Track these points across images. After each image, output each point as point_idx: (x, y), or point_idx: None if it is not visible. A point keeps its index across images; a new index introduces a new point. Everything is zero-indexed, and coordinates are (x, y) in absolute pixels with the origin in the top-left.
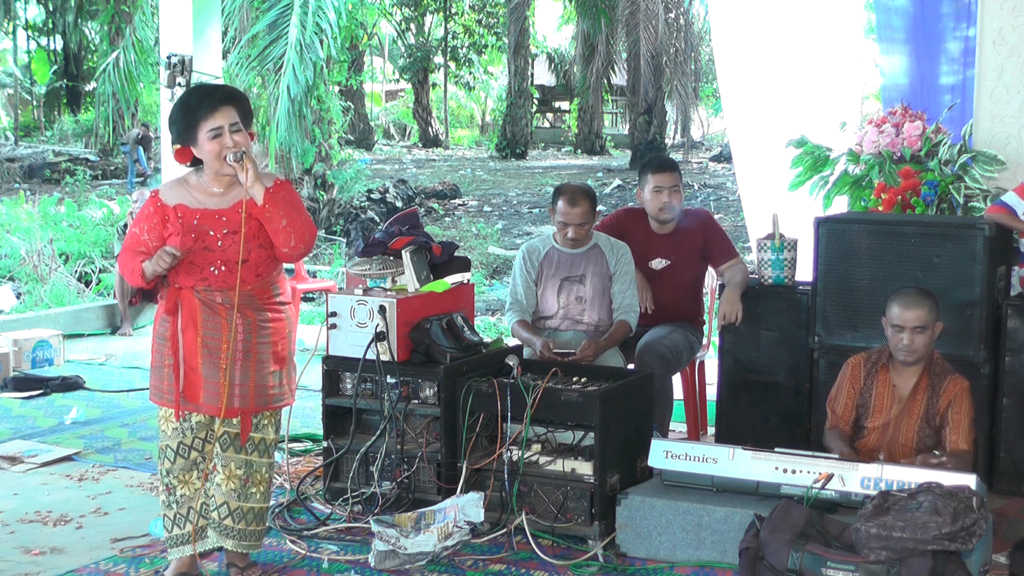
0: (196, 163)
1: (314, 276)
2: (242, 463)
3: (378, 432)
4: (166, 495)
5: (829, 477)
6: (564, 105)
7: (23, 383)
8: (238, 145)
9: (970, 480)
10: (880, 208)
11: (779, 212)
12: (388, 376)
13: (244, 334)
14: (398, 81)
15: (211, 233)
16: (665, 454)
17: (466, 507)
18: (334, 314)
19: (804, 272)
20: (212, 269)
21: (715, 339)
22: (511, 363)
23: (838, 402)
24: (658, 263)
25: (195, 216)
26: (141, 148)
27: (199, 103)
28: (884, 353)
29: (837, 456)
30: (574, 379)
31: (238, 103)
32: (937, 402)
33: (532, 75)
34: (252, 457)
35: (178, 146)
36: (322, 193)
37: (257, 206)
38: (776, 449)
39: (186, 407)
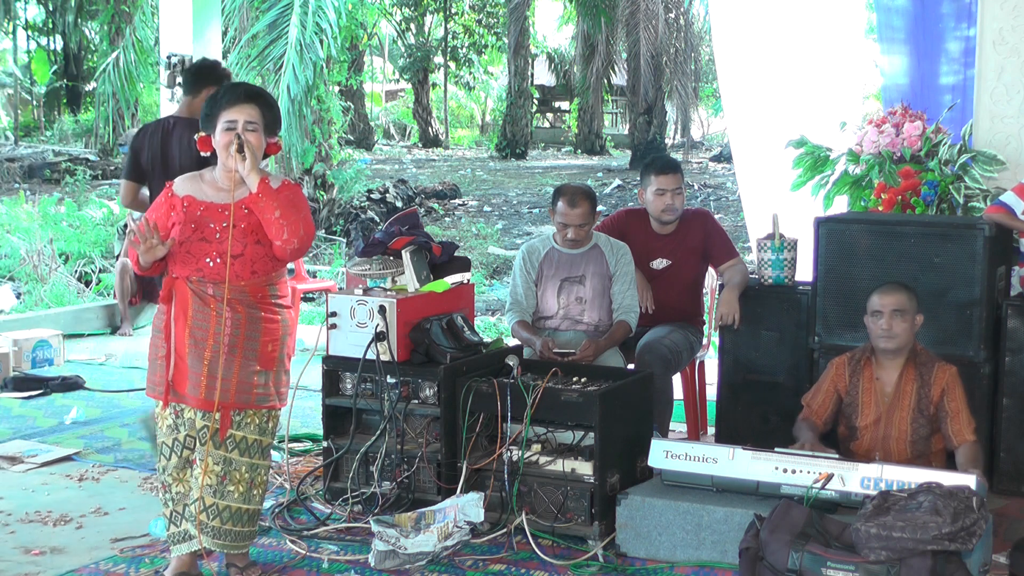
0: (212, 156)
1: (314, 276)
2: (220, 459)
3: (378, 432)
4: (163, 493)
5: (829, 477)
6: (564, 105)
7: (23, 383)
8: (247, 142)
9: (970, 480)
10: (880, 208)
11: (779, 212)
12: (388, 376)
13: (231, 328)
14: (398, 81)
15: (211, 225)
16: (665, 454)
17: (466, 507)
18: (334, 314)
19: (804, 272)
20: (207, 260)
21: (715, 339)
22: (511, 363)
23: (815, 398)
24: (659, 263)
25: (199, 208)
26: None
27: (224, 95)
28: (867, 350)
29: (836, 456)
30: (574, 379)
31: (264, 105)
32: (929, 391)
33: (532, 75)
34: (232, 455)
35: (201, 134)
36: (322, 193)
37: (251, 196)
38: (776, 449)
39: (174, 398)
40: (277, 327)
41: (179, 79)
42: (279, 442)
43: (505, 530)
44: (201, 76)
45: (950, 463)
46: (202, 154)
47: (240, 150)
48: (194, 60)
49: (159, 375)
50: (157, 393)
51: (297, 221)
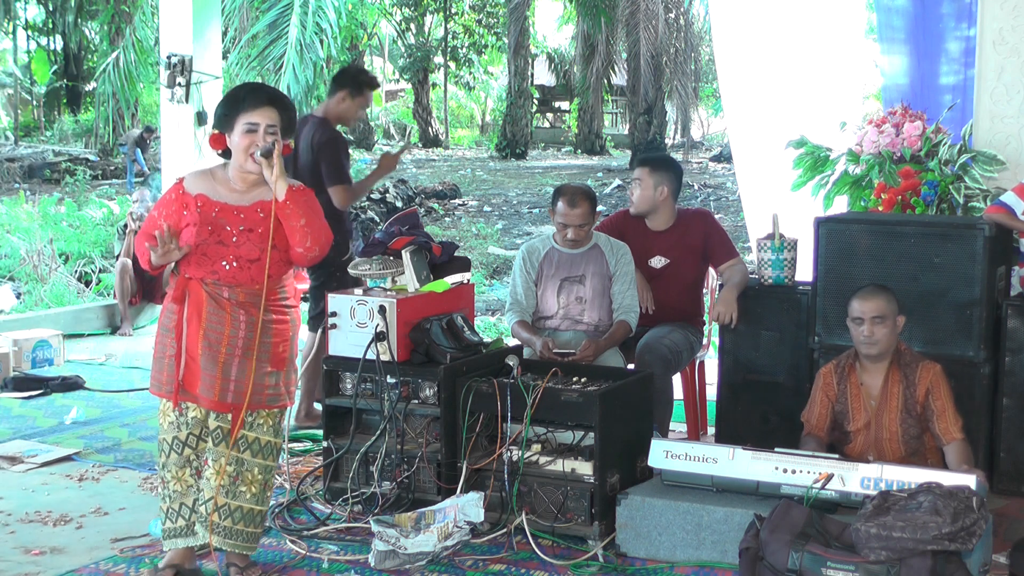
0: (226, 154)
1: None
2: (233, 460)
3: (378, 432)
4: (162, 488)
5: (829, 477)
6: (564, 105)
7: (23, 383)
8: (277, 150)
9: (970, 480)
10: (880, 208)
11: (779, 212)
12: (388, 376)
13: (246, 332)
14: (398, 81)
15: (227, 228)
16: (665, 454)
17: (466, 507)
18: (334, 314)
19: (804, 272)
20: (224, 264)
21: (715, 339)
22: (511, 363)
23: (812, 413)
24: (658, 261)
25: (214, 208)
26: (139, 149)
27: (246, 96)
28: (851, 355)
29: (836, 456)
30: (574, 379)
31: (284, 109)
32: (914, 391)
33: (532, 75)
34: (244, 456)
35: (215, 131)
36: None
37: (278, 203)
38: (776, 449)
39: (184, 397)
40: (287, 327)
41: (179, 79)
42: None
43: (505, 530)
44: (340, 79)
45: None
46: (216, 152)
47: (265, 155)
48: (194, 60)
49: (167, 374)
50: (165, 392)
51: (320, 228)
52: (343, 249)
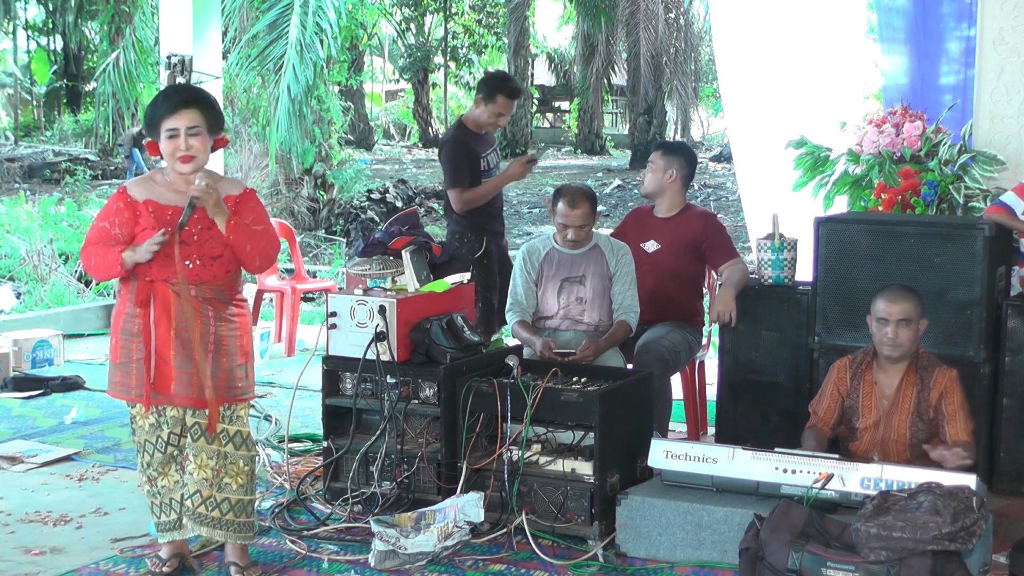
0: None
1: (314, 276)
2: (214, 453)
3: (378, 432)
4: (149, 486)
5: (829, 477)
6: (564, 105)
7: (23, 383)
8: (191, 148)
9: (970, 480)
10: (880, 208)
11: (779, 212)
12: (388, 376)
13: (215, 327)
14: (398, 81)
15: (187, 228)
16: (665, 454)
17: (466, 507)
18: (334, 314)
19: (804, 272)
20: (187, 263)
21: (715, 339)
22: (511, 363)
23: (820, 404)
24: (650, 245)
25: (167, 212)
26: (136, 149)
27: (162, 102)
28: (868, 352)
29: (836, 456)
30: (574, 379)
31: (203, 107)
32: (928, 395)
33: (532, 75)
34: (227, 449)
35: (148, 139)
36: (322, 193)
37: (224, 237)
38: (776, 449)
39: (156, 400)
40: (246, 319)
41: (179, 79)
42: (279, 442)
43: (505, 530)
44: (479, 85)
45: None
46: (152, 158)
47: (191, 205)
48: (194, 60)
49: (136, 378)
50: (135, 396)
51: (266, 247)
52: (474, 247)
